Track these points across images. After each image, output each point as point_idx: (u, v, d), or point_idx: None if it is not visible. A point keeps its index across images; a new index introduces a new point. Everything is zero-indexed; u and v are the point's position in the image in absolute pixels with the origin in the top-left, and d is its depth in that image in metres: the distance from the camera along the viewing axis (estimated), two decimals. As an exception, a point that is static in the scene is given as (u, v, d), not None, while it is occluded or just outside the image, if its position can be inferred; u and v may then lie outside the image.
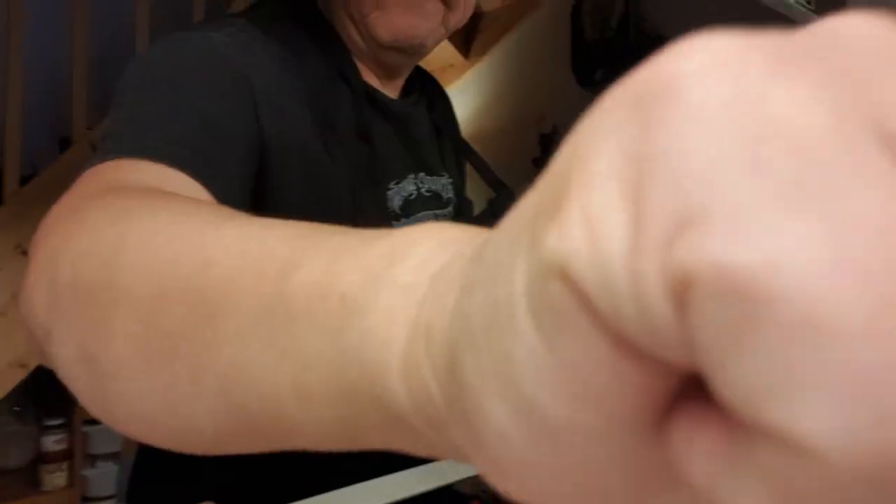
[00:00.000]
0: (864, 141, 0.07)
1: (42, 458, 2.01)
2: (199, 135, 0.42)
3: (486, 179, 0.69)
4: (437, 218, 0.62)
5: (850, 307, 0.06)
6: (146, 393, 0.21)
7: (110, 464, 2.15)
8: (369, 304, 0.14)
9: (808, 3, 1.16)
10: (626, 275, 0.07)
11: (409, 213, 0.60)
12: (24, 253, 1.63)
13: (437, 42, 0.58)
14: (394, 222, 0.59)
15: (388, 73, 0.60)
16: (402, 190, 0.60)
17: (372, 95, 0.59)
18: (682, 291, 0.07)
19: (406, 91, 0.64)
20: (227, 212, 0.25)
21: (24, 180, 1.66)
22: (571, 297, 0.08)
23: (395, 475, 0.59)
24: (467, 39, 2.91)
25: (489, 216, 0.66)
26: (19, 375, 1.63)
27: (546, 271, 0.08)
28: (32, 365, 1.65)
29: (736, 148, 0.07)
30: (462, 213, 0.66)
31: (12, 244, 1.62)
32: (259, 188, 0.48)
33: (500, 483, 0.11)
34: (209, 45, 0.48)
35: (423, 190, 0.62)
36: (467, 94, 3.00)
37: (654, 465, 0.09)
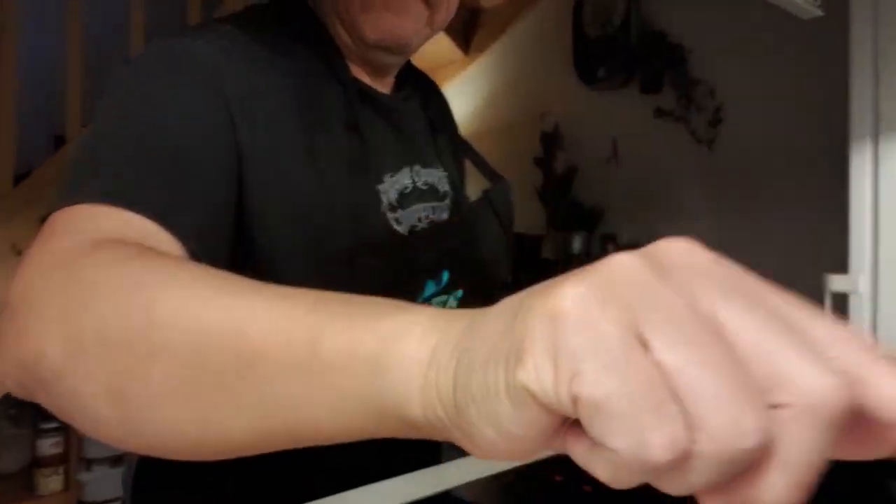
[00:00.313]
0: (631, 340, 0.17)
1: (38, 463, 2.00)
2: (167, 174, 0.42)
3: (484, 173, 0.70)
4: (433, 211, 0.63)
5: (617, 410, 0.17)
6: (183, 419, 0.28)
7: (106, 468, 2.14)
8: (390, 366, 0.23)
9: (815, -6, 1.14)
10: (554, 395, 0.18)
11: (406, 205, 0.60)
12: (20, 253, 1.61)
13: (424, 41, 0.60)
14: (389, 213, 0.58)
15: (377, 70, 0.61)
16: (397, 182, 0.60)
17: (363, 91, 0.60)
18: (575, 401, 0.18)
19: (398, 87, 0.65)
20: (246, 282, 0.30)
21: (19, 179, 1.65)
22: (531, 398, 0.19)
23: (393, 480, 0.58)
24: (467, 36, 2.90)
25: (486, 205, 0.66)
26: (13, 377, 1.62)
27: (519, 387, 0.19)
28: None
29: (582, 347, 0.18)
30: (459, 206, 0.66)
31: (7, 243, 1.60)
32: (248, 192, 0.48)
33: (478, 455, 0.22)
34: (187, 61, 0.48)
35: (419, 183, 0.62)
36: (468, 91, 3.00)
37: (556, 442, 0.20)
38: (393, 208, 0.59)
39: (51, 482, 1.98)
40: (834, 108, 1.79)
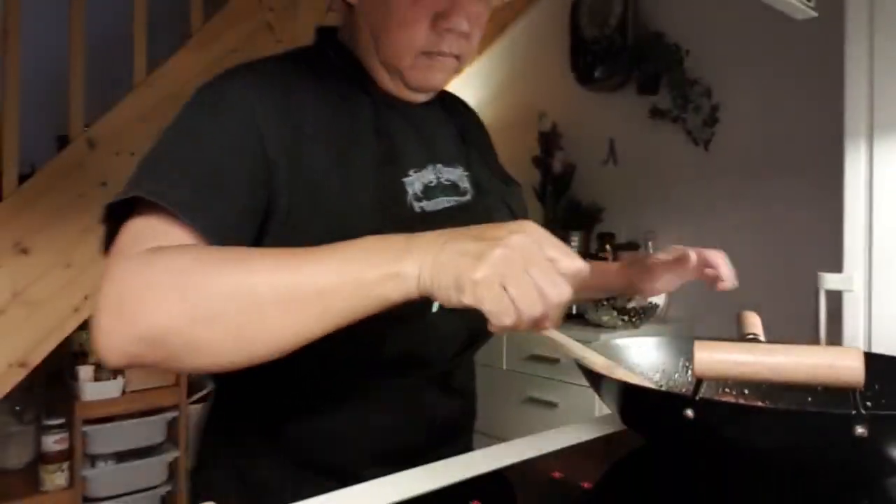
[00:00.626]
0: (499, 281, 0.44)
1: (42, 459, 2.01)
2: (202, 188, 0.55)
3: (501, 178, 0.82)
4: (456, 203, 0.72)
5: (493, 309, 0.45)
6: (284, 335, 0.47)
7: (110, 464, 2.15)
8: (395, 264, 0.46)
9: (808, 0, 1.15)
10: (471, 293, 0.46)
11: (430, 197, 0.69)
12: (23, 251, 1.62)
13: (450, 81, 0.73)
14: (415, 203, 0.67)
15: (407, 93, 0.72)
16: (422, 177, 0.69)
17: (389, 101, 0.70)
18: (481, 301, 0.45)
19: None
20: (291, 250, 0.50)
21: (22, 179, 1.66)
22: (465, 288, 0.46)
23: (393, 476, 0.59)
24: (466, 37, 2.91)
25: (501, 202, 0.78)
26: (19, 375, 1.63)
27: (461, 281, 0.45)
28: (32, 365, 1.65)
29: (488, 280, 0.45)
30: (480, 202, 0.74)
31: (11, 242, 1.62)
32: (278, 198, 0.60)
33: (444, 302, 0.46)
34: (221, 100, 0.61)
35: (442, 179, 0.72)
36: (466, 92, 3.00)
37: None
38: (418, 198, 0.68)
39: (55, 478, 1.99)
40: (828, 109, 1.81)
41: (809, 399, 0.71)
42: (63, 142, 1.77)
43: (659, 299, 2.10)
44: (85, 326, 1.87)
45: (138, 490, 2.19)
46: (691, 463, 0.60)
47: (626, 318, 2.01)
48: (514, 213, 0.77)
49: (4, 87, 1.64)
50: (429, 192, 0.69)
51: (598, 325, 2.04)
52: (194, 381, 2.47)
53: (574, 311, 2.11)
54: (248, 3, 1.99)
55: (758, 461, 0.55)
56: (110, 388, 2.10)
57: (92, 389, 2.07)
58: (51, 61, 1.96)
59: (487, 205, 0.74)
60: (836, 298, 1.60)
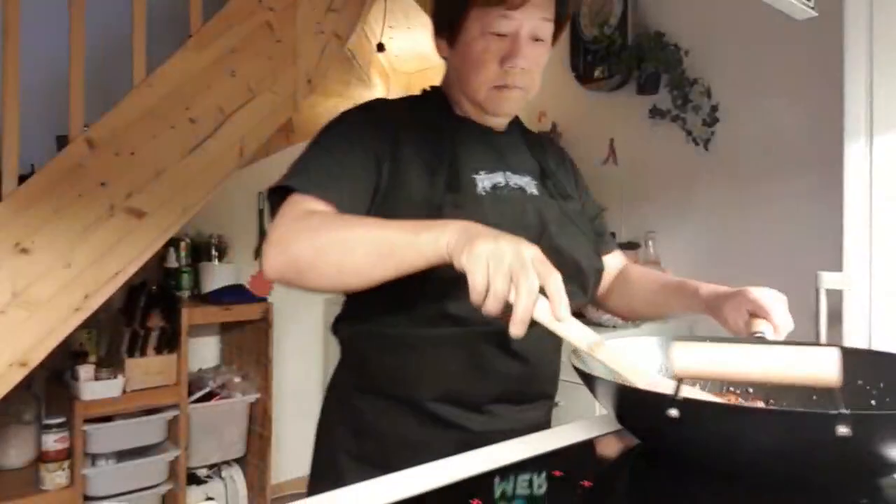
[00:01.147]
0: (487, 276, 0.62)
1: (42, 457, 2.01)
2: (339, 174, 0.82)
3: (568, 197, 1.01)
4: (524, 198, 0.90)
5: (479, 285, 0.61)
6: (367, 269, 0.71)
7: (110, 463, 2.16)
8: (440, 242, 0.66)
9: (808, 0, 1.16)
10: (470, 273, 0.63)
11: (498, 193, 0.88)
12: (24, 251, 1.63)
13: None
14: (483, 193, 0.87)
15: (487, 119, 0.95)
16: (492, 178, 0.89)
17: (467, 123, 0.93)
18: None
19: (509, 125, 0.99)
20: (385, 221, 0.73)
21: (21, 179, 1.66)
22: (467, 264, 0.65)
23: (395, 474, 0.59)
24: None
25: (563, 215, 0.94)
26: (20, 375, 1.63)
27: (470, 256, 0.63)
28: (33, 364, 1.65)
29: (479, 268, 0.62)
30: (544, 199, 0.93)
31: (11, 242, 1.62)
32: (381, 188, 0.84)
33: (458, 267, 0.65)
34: (371, 112, 0.90)
35: (510, 182, 0.91)
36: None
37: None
38: (487, 191, 0.87)
39: (56, 477, 1.99)
40: (828, 109, 1.81)
41: (814, 398, 0.71)
42: (63, 142, 1.77)
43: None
44: (85, 326, 1.87)
45: (138, 489, 2.19)
46: (684, 462, 0.60)
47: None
48: (574, 222, 0.93)
49: (4, 87, 1.64)
50: (497, 189, 0.88)
51: (599, 325, 2.05)
52: (194, 381, 2.48)
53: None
54: (248, 4, 1.99)
55: (746, 461, 0.55)
56: (110, 388, 2.11)
57: (92, 389, 2.07)
58: (51, 61, 1.96)
59: (549, 203, 0.91)
60: (836, 297, 1.60)
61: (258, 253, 2.92)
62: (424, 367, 0.84)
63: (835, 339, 1.60)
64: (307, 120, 2.98)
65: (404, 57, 3.09)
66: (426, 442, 0.83)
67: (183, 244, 2.57)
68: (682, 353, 0.54)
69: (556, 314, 0.63)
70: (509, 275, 0.60)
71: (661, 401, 0.55)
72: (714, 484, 0.58)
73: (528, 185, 0.92)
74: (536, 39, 0.87)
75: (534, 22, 0.85)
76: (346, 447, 0.89)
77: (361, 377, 0.90)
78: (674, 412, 0.54)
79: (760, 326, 0.81)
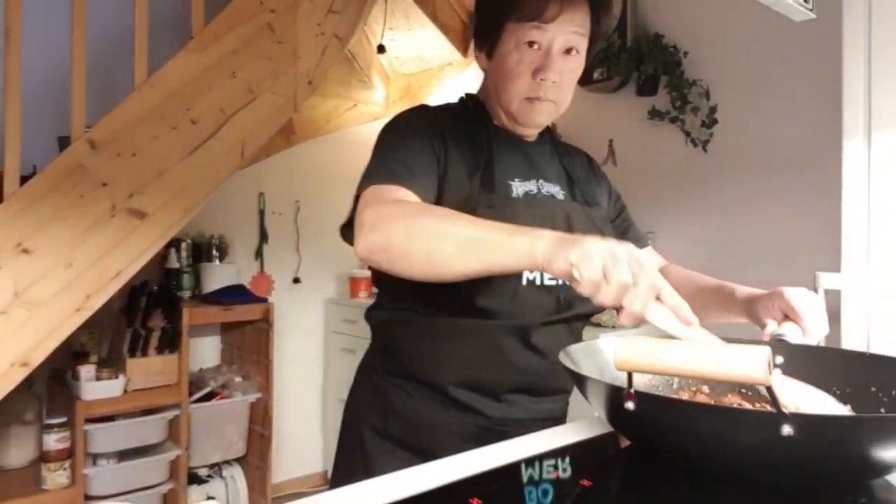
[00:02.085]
0: (624, 273, 0.62)
1: (44, 457, 2.01)
2: (413, 166, 0.85)
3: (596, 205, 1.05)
4: (554, 202, 0.95)
5: (588, 288, 0.62)
6: (456, 261, 0.71)
7: (111, 463, 2.16)
8: (535, 247, 0.66)
9: (806, 1, 1.16)
10: (576, 274, 0.64)
11: (531, 199, 0.93)
12: (25, 251, 1.63)
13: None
14: (516, 199, 0.92)
15: (520, 130, 0.99)
16: (525, 185, 0.94)
17: (503, 133, 0.98)
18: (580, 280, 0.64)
19: (541, 136, 1.04)
20: (455, 212, 0.76)
21: (24, 179, 1.67)
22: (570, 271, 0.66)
23: (395, 474, 0.60)
24: (466, 38, 2.91)
25: (587, 219, 0.98)
26: (21, 375, 1.64)
27: (566, 263, 0.65)
28: (34, 364, 1.65)
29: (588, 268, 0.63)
30: (574, 205, 0.97)
31: (13, 242, 1.62)
32: (442, 177, 0.89)
33: (557, 274, 0.66)
34: (423, 114, 0.95)
35: (543, 190, 0.96)
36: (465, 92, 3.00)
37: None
38: (520, 198, 0.92)
39: (57, 477, 1.99)
40: (826, 110, 1.82)
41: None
42: (64, 142, 1.77)
43: None
44: (86, 326, 1.88)
45: (139, 489, 2.20)
46: (672, 461, 0.60)
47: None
48: (600, 229, 0.96)
49: (6, 88, 1.65)
50: (529, 196, 0.94)
51: (598, 325, 2.05)
52: (195, 381, 2.48)
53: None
54: (249, 5, 2.00)
55: (695, 454, 0.57)
56: (112, 388, 2.11)
57: (93, 388, 2.08)
58: (52, 62, 1.97)
59: (577, 209, 0.95)
60: (834, 298, 1.61)
61: (259, 253, 2.92)
62: (449, 354, 0.89)
63: (833, 340, 1.61)
64: (308, 121, 2.98)
65: (404, 58, 3.09)
66: (446, 424, 0.89)
67: (184, 244, 2.58)
68: (621, 348, 0.56)
69: (684, 319, 0.64)
70: (629, 268, 0.61)
71: (619, 394, 0.57)
72: (714, 484, 0.58)
73: (558, 193, 0.98)
74: (569, 51, 0.90)
75: (566, 35, 0.89)
76: (372, 424, 0.94)
77: (389, 360, 0.96)
78: (630, 405, 0.56)
79: (786, 329, 0.80)
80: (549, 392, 0.94)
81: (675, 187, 2.28)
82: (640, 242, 1.11)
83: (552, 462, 0.64)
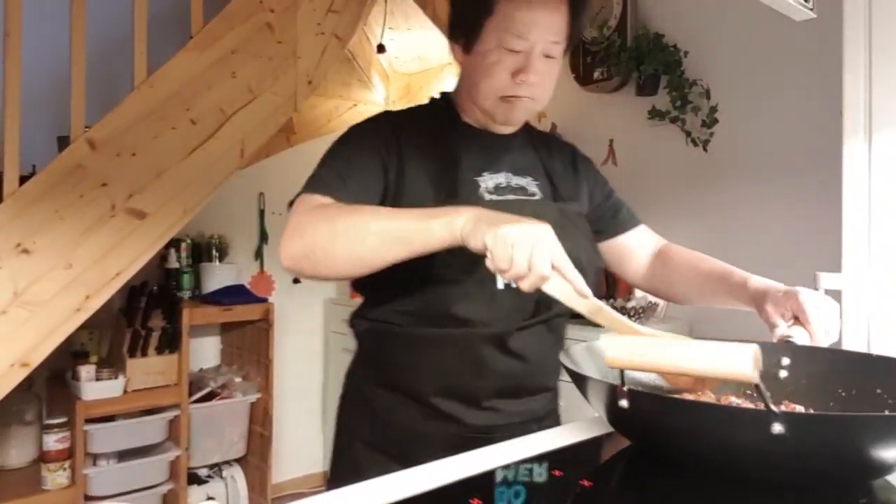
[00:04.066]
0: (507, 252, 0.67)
1: (44, 457, 2.01)
2: (347, 176, 0.87)
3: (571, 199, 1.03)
4: (522, 203, 0.93)
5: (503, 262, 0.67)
6: (376, 255, 0.75)
7: (111, 463, 2.16)
8: (454, 225, 0.71)
9: (807, 0, 1.16)
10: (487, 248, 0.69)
11: (500, 194, 0.92)
12: (25, 251, 1.63)
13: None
14: (486, 195, 0.91)
15: (493, 127, 0.98)
16: (494, 178, 0.93)
17: (470, 130, 0.97)
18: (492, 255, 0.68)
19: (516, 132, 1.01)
20: (394, 209, 0.79)
21: (23, 179, 1.67)
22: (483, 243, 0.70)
23: (395, 474, 0.60)
24: (466, 37, 2.91)
25: (560, 213, 0.95)
26: (21, 375, 1.64)
27: (483, 237, 0.69)
28: (34, 364, 1.65)
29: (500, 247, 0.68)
30: (543, 203, 0.95)
31: (12, 243, 1.62)
32: (388, 189, 0.89)
33: (472, 247, 0.70)
34: (376, 124, 0.95)
35: (511, 182, 0.94)
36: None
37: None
38: (490, 192, 0.91)
39: (57, 477, 1.99)
40: (827, 110, 1.82)
41: (831, 404, 0.70)
42: (64, 142, 1.77)
43: (659, 298, 2.10)
44: (86, 326, 1.88)
45: (139, 489, 2.20)
46: (674, 461, 0.60)
47: (625, 317, 2.02)
48: (573, 224, 0.95)
49: (5, 88, 1.65)
50: (499, 190, 0.93)
51: (598, 325, 2.05)
52: (195, 382, 2.48)
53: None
54: (249, 4, 2.00)
55: (701, 457, 0.57)
56: (111, 388, 2.11)
57: (93, 389, 2.08)
58: (52, 62, 1.97)
59: (548, 206, 0.94)
60: (835, 298, 1.60)
61: (259, 253, 2.92)
62: (427, 363, 0.89)
63: (833, 341, 1.60)
64: (307, 121, 2.98)
65: (404, 58, 3.09)
66: (429, 434, 0.89)
67: (184, 245, 2.58)
68: (611, 346, 0.56)
69: (579, 292, 0.71)
70: (530, 247, 0.66)
71: (613, 391, 0.57)
72: (714, 485, 0.58)
73: (530, 184, 0.96)
74: (548, 56, 0.90)
75: (546, 44, 0.89)
76: (361, 435, 0.94)
77: (373, 370, 0.96)
78: (624, 403, 0.56)
79: (795, 332, 0.79)
80: (532, 392, 0.94)
81: (676, 187, 2.27)
82: (631, 222, 1.12)
83: (553, 462, 0.64)
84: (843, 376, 0.72)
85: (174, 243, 2.50)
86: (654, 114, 2.26)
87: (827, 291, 1.58)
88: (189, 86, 1.89)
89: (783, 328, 0.80)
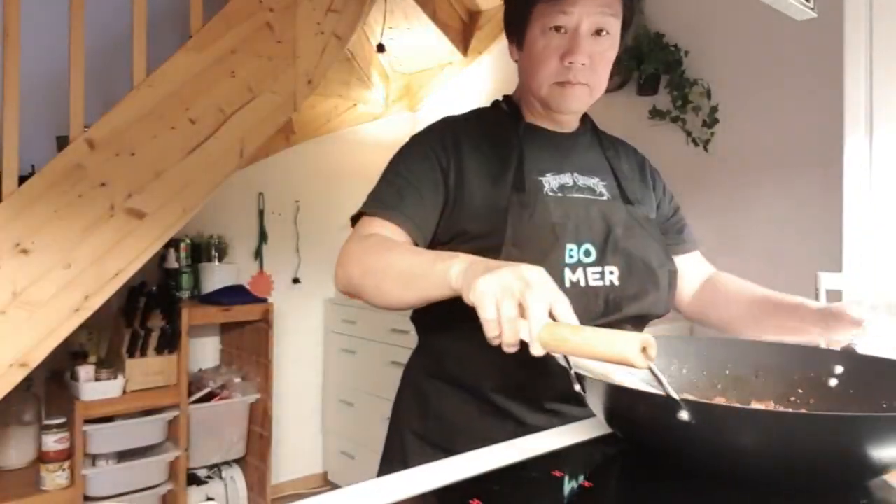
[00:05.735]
0: (512, 300, 0.61)
1: (43, 458, 2.01)
2: (406, 194, 0.88)
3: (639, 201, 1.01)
4: (589, 202, 0.91)
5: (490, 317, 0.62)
6: (399, 292, 0.77)
7: (111, 463, 2.16)
8: (449, 273, 0.69)
9: (808, 0, 1.16)
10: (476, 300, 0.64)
11: (565, 193, 0.91)
12: (24, 251, 1.63)
13: (587, 106, 0.97)
14: (549, 194, 0.90)
15: (557, 120, 0.97)
16: (559, 178, 0.92)
17: (535, 128, 0.96)
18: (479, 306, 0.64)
19: (581, 126, 1.01)
20: (416, 249, 0.83)
21: (22, 179, 1.67)
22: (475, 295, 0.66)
23: (395, 474, 0.59)
24: (466, 38, 2.91)
25: (633, 219, 0.94)
26: (20, 375, 1.64)
27: (477, 290, 0.64)
28: (33, 365, 1.65)
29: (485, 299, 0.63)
30: (612, 203, 0.93)
31: (11, 243, 1.62)
32: (450, 200, 0.90)
33: (468, 299, 0.65)
34: (434, 132, 0.95)
35: (578, 182, 0.93)
36: (466, 91, 3.00)
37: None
38: (554, 192, 0.90)
39: (56, 477, 1.99)
40: (827, 109, 1.81)
41: (884, 405, 0.69)
42: (63, 142, 1.77)
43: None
44: (85, 326, 1.87)
45: (139, 489, 2.19)
46: (684, 463, 0.60)
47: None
48: (642, 226, 0.93)
49: (4, 88, 1.64)
50: (564, 189, 0.91)
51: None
52: (194, 382, 2.48)
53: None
54: (248, 4, 1.99)
55: (675, 453, 0.59)
56: (111, 388, 2.11)
57: (92, 389, 2.07)
58: (51, 62, 1.96)
59: (617, 206, 0.92)
60: (836, 298, 1.60)
61: (258, 253, 2.92)
62: (490, 359, 0.85)
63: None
64: (307, 121, 2.98)
65: (404, 58, 3.09)
66: (484, 430, 0.86)
67: (183, 245, 2.57)
68: (543, 330, 0.59)
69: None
70: (517, 298, 0.60)
71: (571, 378, 0.62)
72: (713, 485, 0.58)
73: (597, 185, 0.94)
74: (599, 32, 0.87)
75: (594, 16, 0.86)
76: (412, 426, 0.95)
77: (432, 363, 0.96)
78: (578, 388, 0.61)
79: (859, 340, 0.81)
80: (552, 399, 0.89)
81: (676, 187, 2.25)
82: (692, 245, 1.09)
83: (552, 462, 0.64)
84: (892, 388, 0.69)
85: (173, 243, 2.50)
86: (655, 113, 2.26)
87: (828, 292, 1.58)
88: (188, 85, 1.88)
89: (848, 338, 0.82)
